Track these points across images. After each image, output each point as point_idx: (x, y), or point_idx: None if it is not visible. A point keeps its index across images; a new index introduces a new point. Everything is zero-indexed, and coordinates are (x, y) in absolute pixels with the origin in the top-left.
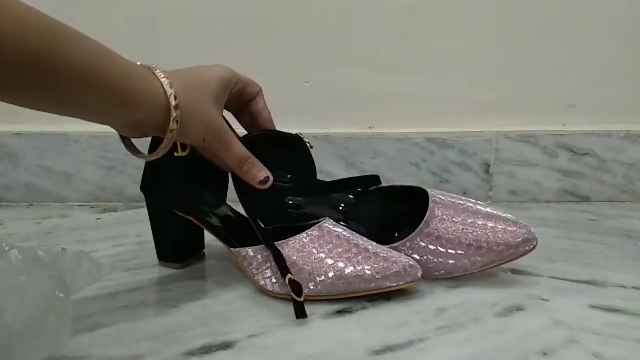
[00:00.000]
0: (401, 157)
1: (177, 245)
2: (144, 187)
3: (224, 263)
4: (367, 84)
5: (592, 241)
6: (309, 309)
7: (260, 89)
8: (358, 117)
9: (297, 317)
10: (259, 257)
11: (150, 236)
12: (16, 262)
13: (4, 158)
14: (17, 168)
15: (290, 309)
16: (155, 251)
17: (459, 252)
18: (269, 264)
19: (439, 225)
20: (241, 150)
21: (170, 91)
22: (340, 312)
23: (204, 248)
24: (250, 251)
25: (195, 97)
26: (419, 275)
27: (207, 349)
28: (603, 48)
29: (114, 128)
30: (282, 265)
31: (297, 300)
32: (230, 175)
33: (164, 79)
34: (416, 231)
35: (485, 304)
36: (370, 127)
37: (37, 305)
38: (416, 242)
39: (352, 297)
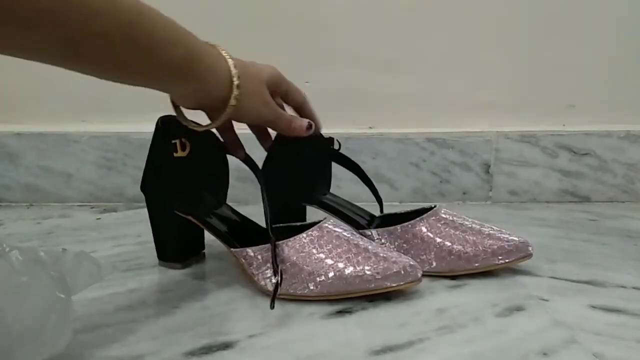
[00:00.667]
0: (401, 157)
1: (177, 245)
2: (143, 187)
3: (224, 263)
4: (367, 84)
5: (592, 241)
6: (309, 308)
7: (305, 97)
8: (358, 117)
9: (272, 305)
10: (259, 257)
11: (150, 236)
12: (17, 263)
13: (4, 158)
14: (17, 168)
15: (289, 310)
16: (155, 251)
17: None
18: (268, 264)
19: (425, 232)
20: (287, 115)
21: (234, 71)
22: (340, 312)
23: (204, 248)
24: (250, 251)
25: (253, 79)
26: (419, 275)
27: (207, 349)
28: (603, 48)
29: (172, 96)
30: (275, 262)
31: (276, 292)
32: (257, 177)
33: (229, 59)
34: (400, 226)
35: (485, 304)
36: (370, 127)
37: (37, 306)
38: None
39: (352, 297)
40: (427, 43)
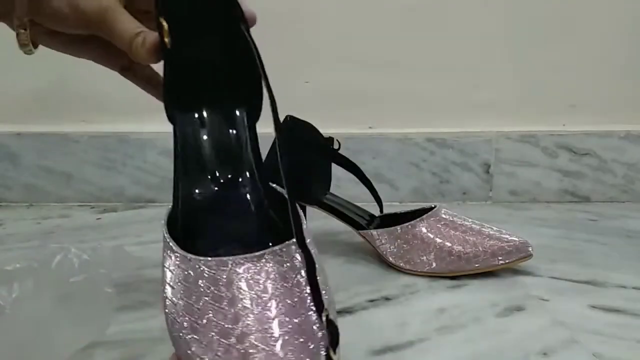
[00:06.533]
0: (401, 157)
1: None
2: None
3: None
4: (367, 84)
5: (592, 241)
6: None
7: None
8: (358, 117)
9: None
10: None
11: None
12: (76, 263)
13: (4, 158)
14: (17, 168)
15: None
16: (155, 251)
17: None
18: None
19: (425, 232)
20: (126, 19)
21: None
22: (340, 312)
23: None
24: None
25: None
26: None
27: None
28: (603, 48)
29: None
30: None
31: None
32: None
33: None
34: (400, 226)
35: (485, 304)
36: (370, 127)
37: (86, 299)
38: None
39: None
40: (427, 43)
